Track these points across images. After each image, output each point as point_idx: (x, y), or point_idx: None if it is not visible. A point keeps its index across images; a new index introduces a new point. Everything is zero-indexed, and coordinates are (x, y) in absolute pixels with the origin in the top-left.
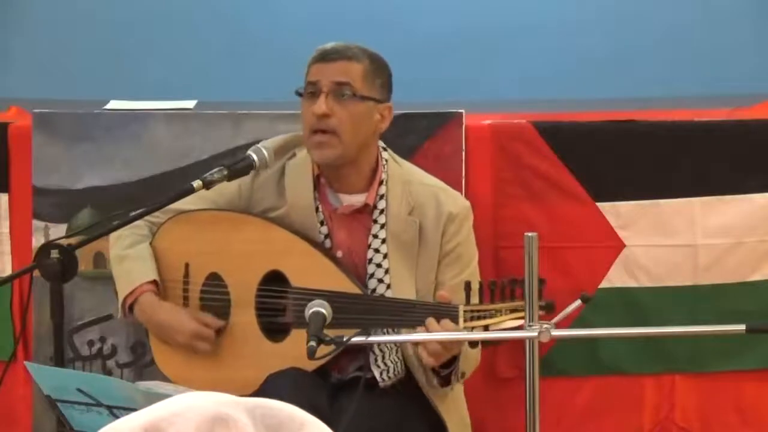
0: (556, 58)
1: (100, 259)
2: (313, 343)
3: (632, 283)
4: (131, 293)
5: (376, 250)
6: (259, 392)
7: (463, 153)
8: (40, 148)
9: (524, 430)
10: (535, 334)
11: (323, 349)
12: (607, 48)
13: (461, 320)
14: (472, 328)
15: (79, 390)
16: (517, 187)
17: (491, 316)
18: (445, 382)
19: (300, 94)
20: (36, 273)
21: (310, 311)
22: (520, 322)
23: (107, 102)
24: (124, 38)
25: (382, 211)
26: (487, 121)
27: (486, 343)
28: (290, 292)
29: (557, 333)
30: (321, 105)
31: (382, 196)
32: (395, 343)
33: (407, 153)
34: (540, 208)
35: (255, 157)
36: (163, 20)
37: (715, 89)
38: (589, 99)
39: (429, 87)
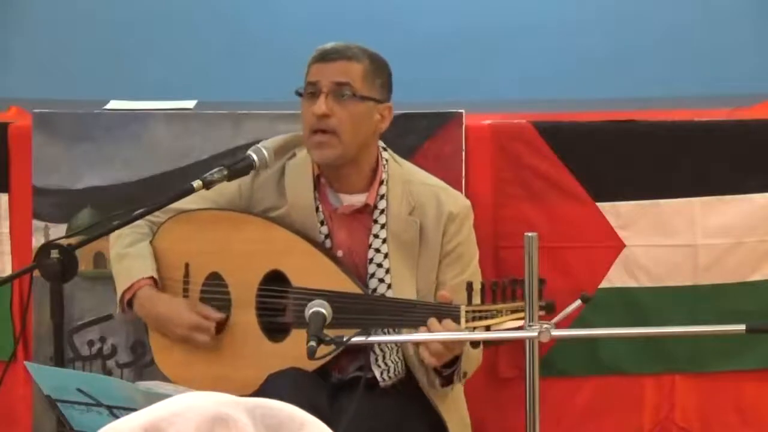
0: (556, 58)
1: (100, 259)
2: (313, 343)
3: (632, 283)
4: (129, 288)
5: (377, 250)
6: (259, 392)
7: (463, 153)
8: (40, 148)
9: (524, 430)
10: (535, 334)
11: (323, 349)
12: (607, 48)
13: (463, 321)
14: (474, 329)
15: (79, 390)
16: (517, 187)
17: (493, 317)
18: (447, 381)
19: (300, 94)
20: (36, 273)
21: (310, 311)
22: (522, 322)
23: (107, 102)
24: (124, 38)
25: (382, 211)
26: (487, 121)
27: (487, 343)
28: (291, 291)
29: (557, 333)
30: (321, 105)
31: (382, 196)
32: (396, 343)
33: (407, 153)
34: (540, 208)
35: (255, 157)
36: (163, 20)
37: (715, 89)
38: (589, 99)
39: (429, 87)
